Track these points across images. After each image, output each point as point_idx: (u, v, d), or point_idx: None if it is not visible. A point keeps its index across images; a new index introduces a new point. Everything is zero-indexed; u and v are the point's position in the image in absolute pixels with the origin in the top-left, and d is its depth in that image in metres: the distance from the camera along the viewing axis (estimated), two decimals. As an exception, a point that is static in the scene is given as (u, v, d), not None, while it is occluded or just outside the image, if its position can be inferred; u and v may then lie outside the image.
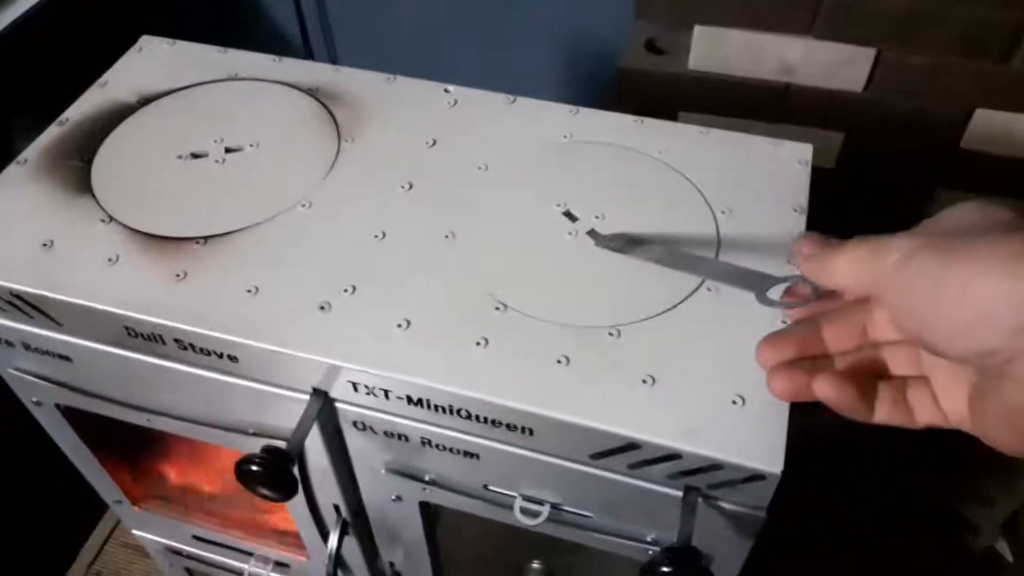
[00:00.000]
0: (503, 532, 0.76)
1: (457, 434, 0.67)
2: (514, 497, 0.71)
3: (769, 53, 1.28)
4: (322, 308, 0.68)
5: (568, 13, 1.65)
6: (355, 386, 0.66)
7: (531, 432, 0.63)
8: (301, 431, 0.67)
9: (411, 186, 0.77)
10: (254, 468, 0.61)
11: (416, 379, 0.63)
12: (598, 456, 0.63)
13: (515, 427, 0.63)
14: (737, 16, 1.26)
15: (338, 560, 0.85)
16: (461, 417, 0.65)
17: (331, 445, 0.74)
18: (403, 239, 0.73)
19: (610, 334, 0.66)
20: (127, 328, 0.70)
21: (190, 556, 1.10)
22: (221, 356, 0.69)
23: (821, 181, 0.76)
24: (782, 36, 1.26)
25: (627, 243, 0.69)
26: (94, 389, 0.79)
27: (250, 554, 1.03)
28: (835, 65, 1.26)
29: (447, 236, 0.73)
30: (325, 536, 0.87)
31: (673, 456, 0.60)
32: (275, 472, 0.62)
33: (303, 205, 0.76)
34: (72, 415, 0.86)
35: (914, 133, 1.30)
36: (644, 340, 0.65)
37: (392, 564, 0.92)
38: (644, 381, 0.62)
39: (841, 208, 0.93)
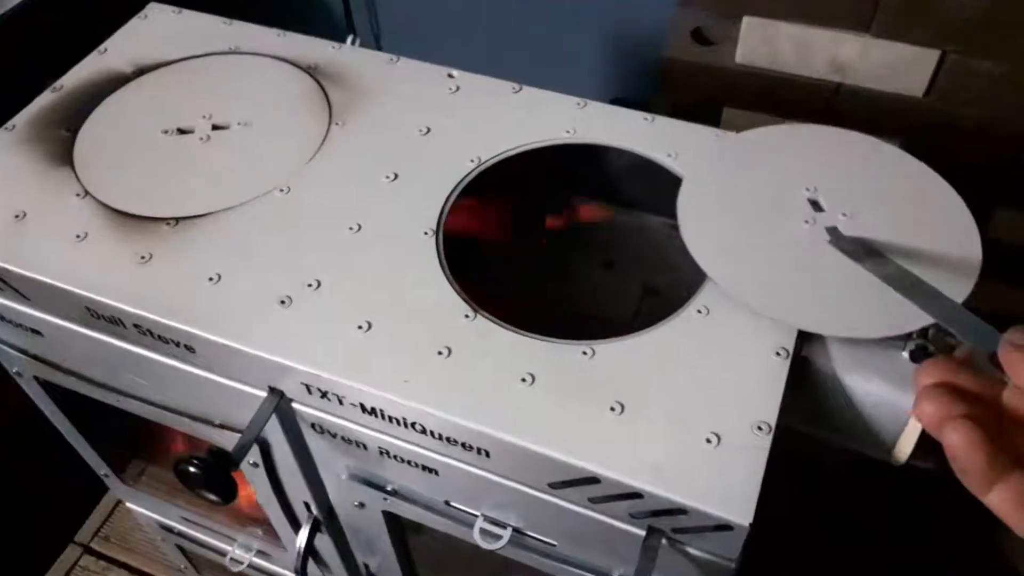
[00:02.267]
0: (477, 547, 0.71)
1: (414, 447, 0.62)
2: (476, 517, 0.66)
3: (821, 50, 1.19)
4: (282, 303, 0.64)
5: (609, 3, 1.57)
6: (308, 388, 0.62)
7: (487, 454, 0.58)
8: (250, 432, 0.63)
9: (396, 177, 0.73)
10: (192, 470, 0.58)
11: (368, 388, 0.59)
12: (557, 486, 0.58)
13: (470, 447, 0.59)
14: (789, 8, 1.18)
15: (307, 556, 0.82)
16: (416, 431, 0.60)
17: (294, 445, 0.70)
18: (379, 233, 0.68)
19: (584, 353, 0.60)
20: (88, 309, 0.67)
21: (180, 534, 1.09)
22: (179, 345, 0.65)
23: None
24: (837, 32, 1.17)
25: (866, 251, 0.62)
26: (66, 365, 0.78)
27: (234, 539, 1.01)
28: (893, 66, 1.16)
29: (426, 233, 0.68)
30: (298, 531, 0.84)
31: (634, 495, 0.54)
32: (213, 476, 0.59)
33: (281, 190, 0.72)
34: (52, 389, 0.84)
35: (976, 145, 1.19)
36: (619, 362, 0.59)
37: (367, 565, 0.89)
38: (612, 408, 0.57)
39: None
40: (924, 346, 0.59)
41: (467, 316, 0.62)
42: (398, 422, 0.60)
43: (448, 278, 0.65)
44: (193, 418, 0.74)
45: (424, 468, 0.64)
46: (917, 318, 0.59)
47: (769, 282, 0.63)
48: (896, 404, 0.61)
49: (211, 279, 0.65)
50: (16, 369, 0.83)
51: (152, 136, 0.77)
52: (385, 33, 1.87)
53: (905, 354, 0.60)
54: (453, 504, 0.67)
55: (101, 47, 0.87)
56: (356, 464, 0.69)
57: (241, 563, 0.99)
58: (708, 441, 0.55)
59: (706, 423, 0.56)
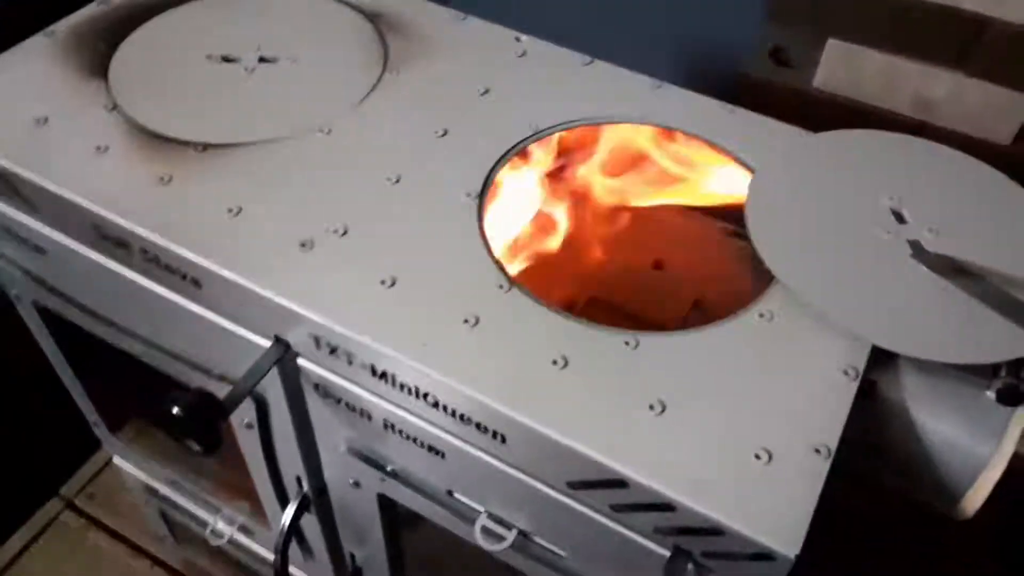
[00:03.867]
0: (476, 551, 0.64)
1: (422, 423, 0.56)
2: (479, 512, 0.59)
3: (908, 83, 1.12)
4: (303, 245, 0.58)
5: (690, 5, 1.50)
6: (317, 342, 0.56)
7: (503, 439, 0.52)
8: (246, 382, 0.57)
9: (445, 133, 0.67)
10: (175, 411, 0.52)
11: (381, 347, 0.53)
12: (576, 486, 0.51)
13: (485, 429, 0.52)
14: (880, 34, 1.11)
15: (290, 535, 0.76)
16: (428, 403, 0.54)
17: (293, 407, 0.64)
18: (418, 188, 0.62)
19: (626, 343, 0.53)
20: (96, 227, 0.62)
21: (165, 499, 1.03)
22: (185, 278, 0.60)
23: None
24: (927, 66, 1.10)
25: (954, 270, 0.56)
26: (66, 291, 0.72)
27: (219, 511, 0.95)
28: (984, 109, 1.09)
29: (468, 195, 0.62)
30: (285, 507, 0.78)
31: (665, 506, 0.47)
32: (198, 421, 0.53)
33: (322, 131, 0.66)
34: (49, 318, 0.79)
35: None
36: (665, 358, 0.53)
37: (353, 556, 0.82)
38: (652, 407, 0.50)
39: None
40: (1015, 386, 0.52)
41: (501, 287, 0.56)
42: (410, 391, 0.54)
43: (486, 244, 0.59)
44: (192, 365, 0.68)
45: (430, 449, 0.57)
46: (1008, 347, 0.51)
47: (843, 290, 0.55)
48: (972, 450, 0.53)
49: (231, 211, 0.60)
50: (15, 292, 0.78)
51: (195, 60, 0.72)
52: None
53: (991, 393, 0.52)
54: (456, 495, 0.61)
55: (159, -32, 0.82)
56: (357, 436, 0.63)
57: (222, 537, 0.93)
58: (758, 457, 0.48)
59: (757, 437, 0.49)
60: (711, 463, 0.47)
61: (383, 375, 0.54)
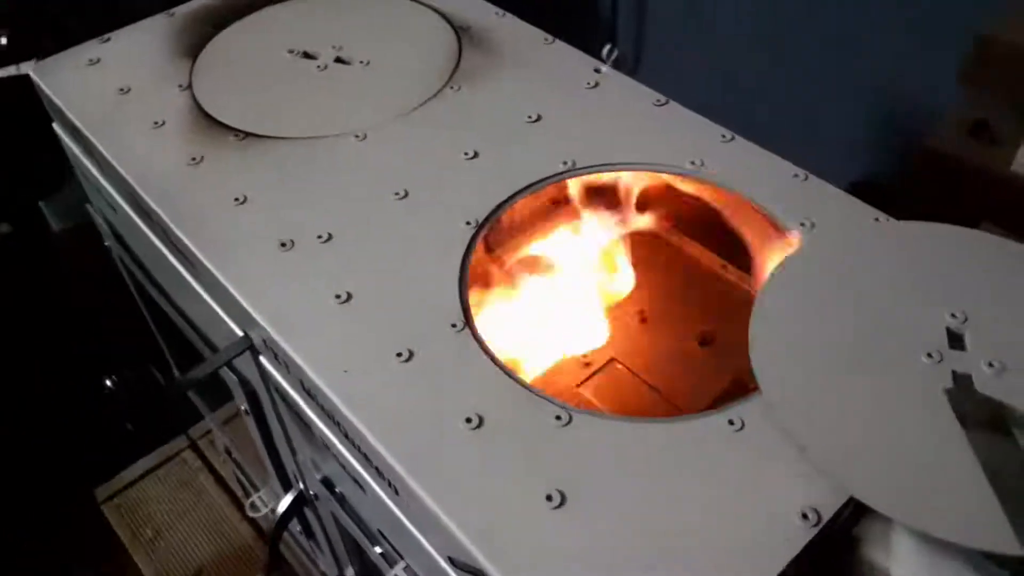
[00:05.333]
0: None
1: (346, 451, 0.53)
2: (397, 561, 0.55)
3: None
4: (283, 245, 0.57)
5: (886, 65, 1.32)
6: (265, 343, 0.55)
7: (396, 491, 0.47)
8: (202, 370, 0.57)
9: (475, 155, 0.63)
10: (108, 383, 0.53)
11: (303, 363, 0.50)
12: (457, 566, 0.45)
13: (382, 475, 0.48)
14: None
15: (282, 527, 0.75)
16: (341, 432, 0.51)
17: (275, 407, 0.64)
18: (421, 208, 0.59)
19: (557, 417, 0.47)
20: (131, 194, 0.65)
21: (235, 461, 1.08)
22: (183, 255, 0.61)
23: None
24: None
25: (992, 424, 0.44)
26: (130, 246, 0.77)
27: (265, 484, 0.97)
28: None
29: (468, 223, 0.58)
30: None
31: (523, 616, 0.40)
32: (133, 400, 0.53)
33: (357, 136, 0.65)
34: (127, 270, 0.85)
35: None
36: (592, 443, 0.45)
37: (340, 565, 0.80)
38: (549, 497, 0.43)
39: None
40: None
41: (454, 326, 0.51)
42: (328, 416, 0.51)
43: (460, 277, 0.54)
44: (202, 338, 0.70)
45: (355, 480, 0.54)
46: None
47: (837, 421, 0.45)
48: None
49: (237, 200, 0.60)
50: (108, 242, 0.85)
51: (277, 52, 0.74)
52: (647, 50, 1.76)
53: None
54: (384, 535, 0.57)
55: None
56: (309, 449, 0.61)
57: (259, 510, 0.95)
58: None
59: (663, 565, 0.40)
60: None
61: (309, 393, 0.52)
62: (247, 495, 1.16)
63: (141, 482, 1.45)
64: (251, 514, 0.96)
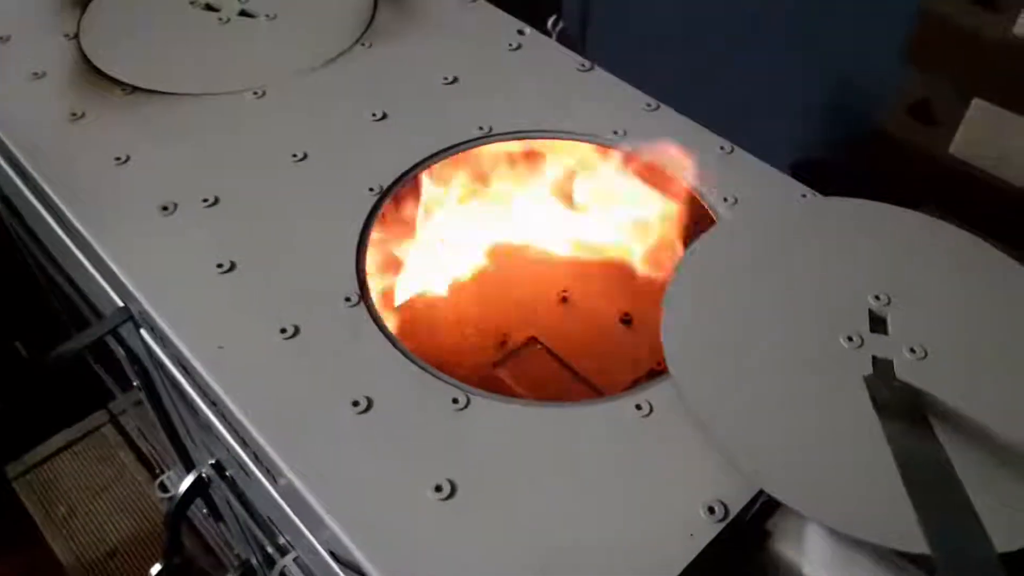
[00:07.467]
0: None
1: (225, 432, 0.48)
2: (288, 551, 0.51)
3: (1066, 166, 0.90)
4: (164, 208, 0.52)
5: (838, 43, 1.30)
6: (143, 316, 0.50)
7: (275, 479, 0.43)
8: (79, 341, 0.52)
9: (384, 117, 0.59)
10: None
11: (176, 338, 0.46)
12: (340, 561, 0.42)
13: (259, 460, 0.44)
14: (1039, 102, 0.90)
15: (182, 509, 0.70)
16: (219, 413, 0.46)
17: (162, 383, 0.59)
18: (321, 171, 0.55)
19: (454, 400, 0.43)
20: (5, 151, 0.59)
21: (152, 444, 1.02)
22: (61, 220, 0.56)
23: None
24: (1095, 149, 0.88)
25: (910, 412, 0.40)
26: (16, 207, 0.71)
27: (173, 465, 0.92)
28: None
29: (371, 190, 0.53)
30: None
31: (399, 618, 0.37)
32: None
33: (255, 93, 0.60)
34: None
35: None
36: (489, 429, 0.42)
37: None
38: (439, 488, 0.39)
39: None
40: None
41: (348, 300, 0.47)
42: (205, 393, 0.47)
43: (358, 247, 0.50)
44: (91, 308, 0.65)
45: (240, 465, 0.50)
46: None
47: (748, 410, 0.42)
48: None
49: (118, 159, 0.55)
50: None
51: (177, 3, 0.68)
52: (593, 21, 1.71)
53: None
54: (275, 524, 0.53)
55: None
56: (198, 427, 0.56)
57: (167, 491, 0.90)
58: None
59: (553, 559, 0.37)
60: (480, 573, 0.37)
61: (185, 368, 0.47)
62: (162, 473, 1.10)
63: (56, 458, 1.38)
64: (160, 495, 0.91)
